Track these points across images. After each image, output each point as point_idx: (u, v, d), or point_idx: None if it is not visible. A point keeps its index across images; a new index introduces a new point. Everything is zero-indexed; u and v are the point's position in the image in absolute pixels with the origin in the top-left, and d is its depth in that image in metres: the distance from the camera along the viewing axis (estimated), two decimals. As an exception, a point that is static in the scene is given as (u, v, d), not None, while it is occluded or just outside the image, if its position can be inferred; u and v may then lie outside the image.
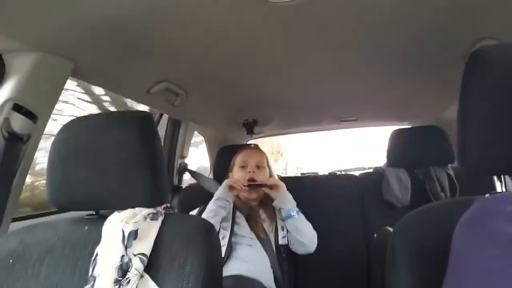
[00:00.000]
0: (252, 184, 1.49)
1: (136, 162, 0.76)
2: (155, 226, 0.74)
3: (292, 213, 1.46)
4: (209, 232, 0.76)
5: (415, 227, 0.61)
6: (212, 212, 1.42)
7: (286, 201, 1.47)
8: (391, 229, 1.23)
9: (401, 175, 1.63)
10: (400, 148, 1.64)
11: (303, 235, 1.45)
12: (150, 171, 0.77)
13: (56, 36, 0.92)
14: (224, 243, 1.43)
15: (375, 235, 1.38)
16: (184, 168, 2.05)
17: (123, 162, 0.77)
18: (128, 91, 1.39)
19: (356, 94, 1.79)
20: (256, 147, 1.71)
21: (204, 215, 1.43)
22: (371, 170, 1.80)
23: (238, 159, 1.60)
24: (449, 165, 1.64)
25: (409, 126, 2.37)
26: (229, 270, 1.37)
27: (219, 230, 1.46)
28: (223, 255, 1.39)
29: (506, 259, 0.34)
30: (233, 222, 1.49)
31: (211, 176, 2.13)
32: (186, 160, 2.09)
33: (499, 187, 0.60)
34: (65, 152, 0.80)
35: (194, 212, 1.60)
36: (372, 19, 1.02)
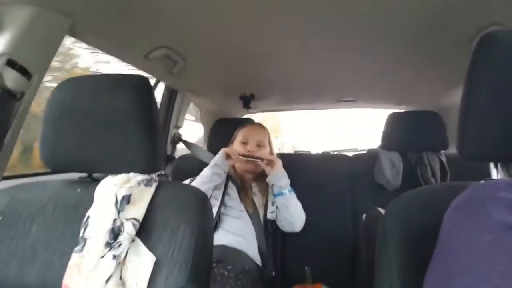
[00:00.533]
0: (248, 157, 1.50)
1: (133, 127, 0.75)
2: (149, 192, 0.74)
3: (283, 191, 1.47)
4: (202, 201, 0.76)
5: (407, 210, 0.61)
6: (206, 178, 1.44)
7: (279, 178, 1.48)
8: (381, 210, 1.25)
9: (394, 159, 1.64)
10: (395, 132, 1.65)
11: (291, 214, 1.48)
12: (146, 136, 0.76)
13: None
14: (213, 212, 1.45)
15: (363, 215, 1.40)
16: (178, 138, 2.04)
17: (119, 126, 0.76)
18: (126, 54, 1.35)
19: (355, 75, 1.78)
20: (259, 124, 1.69)
21: (197, 180, 1.44)
22: (364, 152, 1.81)
23: (240, 134, 1.60)
24: (442, 151, 1.65)
25: (407, 110, 2.38)
26: (215, 240, 1.39)
27: (210, 198, 1.48)
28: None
29: (498, 244, 0.34)
30: (225, 192, 1.51)
31: (205, 148, 2.13)
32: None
33: (494, 175, 0.61)
34: (60, 112, 0.78)
35: (186, 182, 1.61)
36: (376, 2, 1.00)
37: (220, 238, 1.41)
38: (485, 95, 0.55)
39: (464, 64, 0.62)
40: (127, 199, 0.71)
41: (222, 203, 1.48)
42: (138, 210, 0.70)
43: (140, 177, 0.76)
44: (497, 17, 1.06)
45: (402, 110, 2.38)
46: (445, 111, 1.97)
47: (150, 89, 0.81)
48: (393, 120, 1.65)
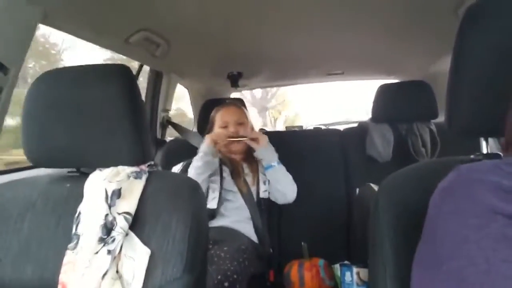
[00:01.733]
0: (234, 138, 1.50)
1: (117, 119, 0.73)
2: (139, 184, 0.73)
3: (272, 163, 1.49)
4: (194, 189, 0.75)
5: (399, 188, 0.61)
6: (200, 169, 1.43)
7: (266, 152, 1.49)
8: (373, 186, 1.27)
9: (385, 131, 1.64)
10: (385, 103, 1.64)
11: (283, 185, 1.50)
12: (132, 128, 0.74)
13: None
14: (215, 196, 1.46)
15: (357, 189, 1.42)
16: (167, 121, 2.01)
17: (103, 118, 0.74)
18: (105, 40, 1.31)
19: (343, 48, 1.75)
20: (234, 104, 1.67)
21: (191, 173, 1.43)
22: (355, 125, 1.81)
23: (218, 119, 1.59)
24: (432, 120, 1.65)
25: (397, 81, 2.37)
26: (211, 223, 1.42)
27: (209, 186, 1.48)
28: (215, 207, 1.44)
29: (484, 228, 0.34)
30: (221, 177, 1.51)
31: (195, 129, 2.11)
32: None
33: (484, 149, 0.61)
34: (42, 106, 0.76)
35: (178, 167, 1.60)
36: None
37: (217, 220, 1.43)
38: (473, 67, 0.55)
39: (450, 32, 0.61)
40: (117, 194, 0.70)
41: (222, 187, 1.48)
42: (129, 203, 0.70)
43: (129, 169, 0.75)
44: None
45: (392, 81, 2.38)
46: (434, 79, 1.96)
47: (133, 78, 0.79)
48: (382, 92, 1.64)
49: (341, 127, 1.96)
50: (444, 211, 0.38)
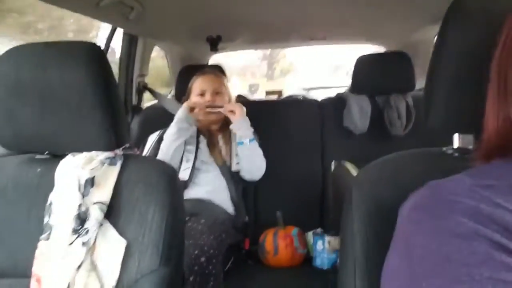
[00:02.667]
0: (210, 107, 1.48)
1: (88, 102, 0.70)
2: (114, 171, 0.71)
3: (244, 140, 1.47)
4: (171, 177, 0.74)
5: (372, 184, 0.61)
6: (173, 136, 1.41)
7: (241, 126, 1.47)
8: (348, 165, 1.29)
9: (363, 103, 1.65)
10: (364, 75, 1.63)
11: (251, 163, 1.49)
12: (104, 111, 0.71)
13: None
14: (188, 166, 1.46)
15: (332, 163, 1.45)
16: (144, 87, 1.95)
17: (72, 101, 0.70)
18: (74, 4, 1.22)
19: (324, 12, 1.71)
20: (212, 72, 1.61)
21: (166, 139, 1.42)
22: (333, 96, 1.80)
23: (195, 86, 1.55)
24: (410, 92, 1.67)
25: (380, 47, 2.35)
26: (187, 194, 1.43)
27: (184, 153, 1.47)
28: (186, 178, 1.44)
29: (468, 247, 0.33)
30: (197, 147, 1.50)
31: (173, 94, 2.06)
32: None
33: (456, 144, 0.63)
34: (5, 88, 0.71)
35: (154, 136, 1.58)
36: None
37: (193, 192, 1.44)
38: (453, 64, 0.55)
39: (431, 2, 0.59)
40: (90, 182, 0.69)
41: (196, 158, 1.48)
42: (104, 192, 0.69)
43: (103, 155, 0.73)
44: None
45: (375, 47, 2.36)
46: (415, 48, 1.96)
47: (103, 57, 0.75)
48: (361, 63, 1.63)
49: (321, 96, 1.95)
50: (423, 229, 0.37)
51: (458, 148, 0.63)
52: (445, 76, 0.56)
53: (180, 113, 1.46)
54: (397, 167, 0.63)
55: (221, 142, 1.55)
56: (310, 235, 1.46)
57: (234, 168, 1.51)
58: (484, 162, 0.42)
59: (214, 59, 2.56)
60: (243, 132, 1.47)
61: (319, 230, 1.46)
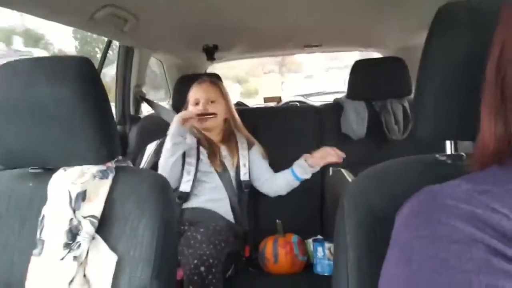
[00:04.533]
0: (202, 115, 1.47)
1: (79, 116, 0.69)
2: (105, 185, 0.71)
3: (303, 177, 1.48)
4: (163, 189, 0.74)
5: (365, 193, 0.60)
6: (168, 152, 1.41)
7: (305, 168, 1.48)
8: (344, 172, 1.29)
9: (359, 108, 1.65)
10: (360, 80, 1.64)
11: (284, 190, 1.53)
12: (95, 124, 0.71)
13: None
14: (189, 179, 1.46)
15: (330, 169, 1.44)
16: (141, 97, 1.96)
17: (64, 115, 0.69)
18: (68, 17, 1.23)
19: (319, 20, 1.71)
20: (207, 80, 1.60)
21: (163, 155, 1.42)
22: (331, 102, 1.81)
23: (191, 96, 1.55)
24: (406, 97, 1.67)
25: (375, 53, 2.36)
26: (187, 204, 1.43)
27: (184, 166, 1.47)
28: (188, 190, 1.44)
29: (466, 253, 0.33)
30: (198, 158, 1.50)
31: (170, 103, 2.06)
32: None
33: (448, 150, 0.62)
34: None
35: (152, 145, 1.58)
36: None
37: (192, 201, 1.43)
38: (441, 72, 0.54)
39: (426, 9, 0.59)
40: (81, 196, 0.68)
41: (197, 169, 1.47)
42: (95, 206, 0.68)
43: (94, 169, 0.73)
44: None
45: (370, 51, 2.37)
46: (411, 53, 1.96)
47: (94, 71, 0.75)
48: (357, 69, 1.63)
49: (319, 101, 1.95)
50: (420, 235, 0.36)
51: (451, 154, 0.63)
52: (433, 83, 0.55)
53: (172, 128, 1.44)
54: (389, 175, 0.63)
55: (225, 152, 1.54)
56: (310, 242, 1.45)
57: (243, 177, 1.51)
58: (480, 168, 0.42)
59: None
60: (307, 175, 1.48)
61: (319, 237, 1.45)
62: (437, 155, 0.63)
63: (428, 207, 0.38)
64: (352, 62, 1.68)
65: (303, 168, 1.47)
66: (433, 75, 0.55)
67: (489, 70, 0.40)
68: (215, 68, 2.60)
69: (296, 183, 1.50)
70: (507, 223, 0.33)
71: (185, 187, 1.44)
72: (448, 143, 0.63)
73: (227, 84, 1.84)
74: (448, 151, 0.62)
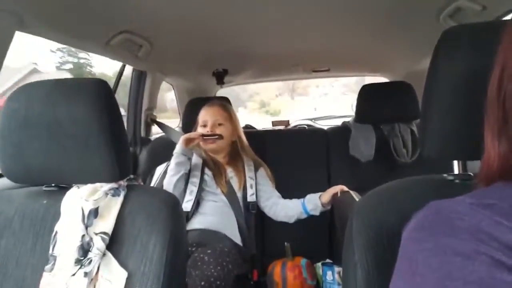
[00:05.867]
0: (207, 136, 1.50)
1: (93, 136, 0.72)
2: (117, 202, 0.73)
3: (312, 213, 1.48)
4: (173, 207, 0.75)
5: (373, 211, 0.61)
6: (172, 171, 1.44)
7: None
8: (353, 194, 1.29)
9: (367, 131, 1.66)
10: (368, 104, 1.66)
11: (293, 218, 1.52)
12: (109, 144, 0.73)
13: None
14: (191, 198, 1.47)
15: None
16: (152, 120, 2.00)
17: (80, 134, 0.72)
18: (85, 43, 1.28)
19: (328, 46, 1.75)
20: (216, 103, 1.65)
21: (167, 174, 1.44)
22: (339, 125, 1.82)
23: (200, 118, 1.59)
24: (414, 121, 1.68)
25: (382, 78, 2.39)
26: (193, 224, 1.43)
27: (187, 185, 1.48)
28: (189, 210, 1.44)
29: (469, 266, 0.33)
30: (202, 178, 1.51)
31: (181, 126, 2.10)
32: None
33: (456, 170, 0.63)
34: (15, 123, 0.74)
35: (162, 167, 1.60)
36: None
37: (199, 222, 1.43)
38: (446, 93, 0.56)
39: (432, 35, 0.61)
40: (94, 213, 0.70)
41: (200, 189, 1.49)
42: (106, 223, 0.69)
43: (107, 186, 0.75)
44: None
45: (377, 76, 2.40)
46: (418, 78, 1.97)
47: (110, 93, 0.78)
48: (365, 93, 1.66)
49: (327, 125, 1.97)
50: (424, 247, 0.37)
51: (459, 174, 0.63)
52: (438, 103, 0.57)
53: (177, 147, 1.49)
54: (397, 193, 0.63)
55: (231, 173, 1.55)
56: (318, 266, 1.44)
57: (249, 198, 1.52)
58: (486, 185, 0.42)
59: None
60: (316, 211, 1.49)
61: (328, 260, 1.43)
62: (445, 175, 0.64)
63: (432, 221, 0.39)
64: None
65: (315, 205, 1.47)
66: (438, 95, 0.57)
67: (491, 89, 0.41)
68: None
69: (303, 216, 1.50)
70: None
71: (186, 206, 1.45)
72: (455, 162, 0.64)
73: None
74: (456, 171, 0.63)
